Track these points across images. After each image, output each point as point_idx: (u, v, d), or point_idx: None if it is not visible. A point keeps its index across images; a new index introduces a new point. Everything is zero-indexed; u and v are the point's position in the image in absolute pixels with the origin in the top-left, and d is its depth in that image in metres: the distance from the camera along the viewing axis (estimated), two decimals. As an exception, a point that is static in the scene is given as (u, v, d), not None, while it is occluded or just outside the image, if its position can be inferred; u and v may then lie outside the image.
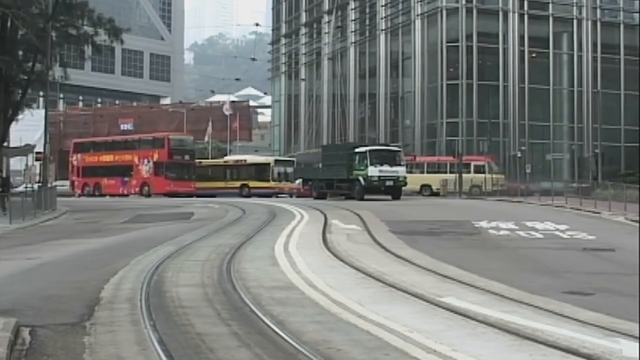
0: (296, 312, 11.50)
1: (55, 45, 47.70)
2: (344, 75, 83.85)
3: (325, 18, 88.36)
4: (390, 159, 50.15)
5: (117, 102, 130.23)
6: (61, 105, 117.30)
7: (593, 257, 19.51)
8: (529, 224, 28.29)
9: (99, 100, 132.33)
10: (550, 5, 71.19)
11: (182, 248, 20.70)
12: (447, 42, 68.85)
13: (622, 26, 72.99)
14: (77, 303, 12.50)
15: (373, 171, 48.59)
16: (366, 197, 49.01)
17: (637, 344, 9.53)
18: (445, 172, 60.56)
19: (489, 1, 70.87)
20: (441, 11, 69.09)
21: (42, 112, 52.78)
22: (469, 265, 17.01)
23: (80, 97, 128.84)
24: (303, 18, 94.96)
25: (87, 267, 17.70)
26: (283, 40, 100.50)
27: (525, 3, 70.39)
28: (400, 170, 49.87)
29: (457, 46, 68.47)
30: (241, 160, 71.90)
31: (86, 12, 47.69)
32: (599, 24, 72.43)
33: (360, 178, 49.05)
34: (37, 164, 50.47)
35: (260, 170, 67.52)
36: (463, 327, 10.53)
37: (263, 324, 10.66)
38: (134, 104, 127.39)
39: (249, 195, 62.80)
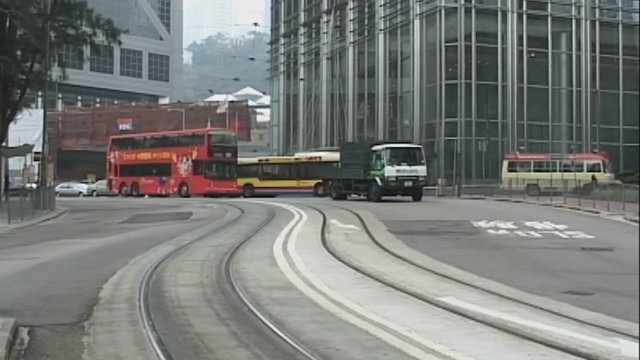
0: (295, 312, 11.51)
1: (54, 45, 47.71)
2: (343, 75, 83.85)
3: (324, 18, 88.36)
4: (409, 157, 47.26)
5: (115, 102, 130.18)
6: (60, 105, 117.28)
7: (592, 256, 19.52)
8: (528, 223, 28.33)
9: (98, 100, 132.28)
10: (549, 5, 71.22)
11: (181, 248, 20.71)
12: (446, 41, 68.86)
13: (620, 26, 73.02)
14: (76, 303, 12.50)
15: (390, 171, 45.73)
16: (384, 198, 46.21)
17: (636, 343, 9.54)
18: (555, 171, 56.20)
19: (487, 1, 70.89)
20: (440, 11, 69.11)
21: (40, 112, 52.76)
22: (467, 265, 17.02)
23: (79, 97, 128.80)
24: (302, 18, 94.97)
25: (86, 267, 17.69)
26: (282, 40, 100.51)
27: (524, 3, 70.41)
28: (420, 170, 46.75)
29: (456, 46, 68.47)
30: (315, 157, 66.71)
31: (85, 12, 47.66)
32: (597, 23, 72.47)
33: (377, 178, 46.22)
34: (36, 163, 50.47)
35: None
36: (462, 327, 10.53)
37: (262, 324, 10.66)
38: (133, 103, 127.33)
39: (324, 195, 56.86)
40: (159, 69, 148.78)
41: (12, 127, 49.56)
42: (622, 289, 14.46)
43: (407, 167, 46.10)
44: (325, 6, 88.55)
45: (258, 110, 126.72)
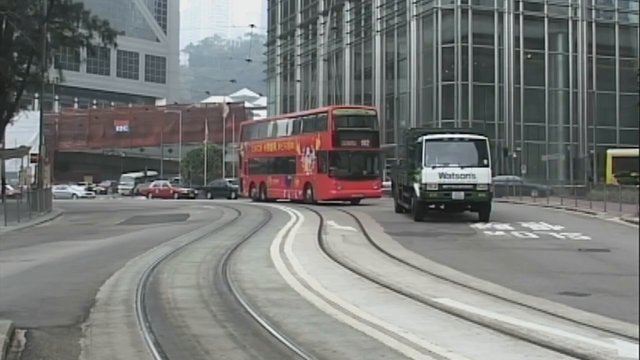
0: (292, 314, 11.51)
1: (51, 47, 47.73)
2: (340, 77, 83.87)
3: (321, 19, 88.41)
4: (462, 154, 30.98)
5: (112, 103, 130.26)
6: (56, 107, 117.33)
7: (588, 257, 19.54)
8: (524, 224, 28.40)
9: (94, 101, 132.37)
10: (546, 6, 71.30)
11: (178, 249, 20.69)
12: (443, 43, 68.91)
13: (617, 27, 73.13)
14: (73, 305, 12.50)
15: (429, 175, 30.06)
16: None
17: (633, 344, 9.57)
18: None
19: (484, 2, 70.97)
20: (436, 12, 69.17)
21: (37, 113, 52.72)
22: (463, 266, 17.03)
23: (76, 99, 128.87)
24: (298, 19, 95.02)
25: (83, 268, 17.69)
26: (278, 42, 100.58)
27: (521, 4, 70.49)
28: (480, 174, 30.17)
29: (453, 47, 68.53)
30: None
31: (81, 14, 47.73)
32: (594, 25, 72.58)
33: (416, 186, 30.83)
34: (33, 165, 50.43)
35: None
36: (458, 328, 10.55)
37: (259, 325, 10.67)
38: (130, 105, 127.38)
39: None
40: (155, 71, 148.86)
41: (8, 129, 49.59)
42: (618, 289, 14.48)
43: (457, 170, 30.17)
44: (321, 8, 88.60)
45: (255, 111, 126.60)
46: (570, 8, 72.11)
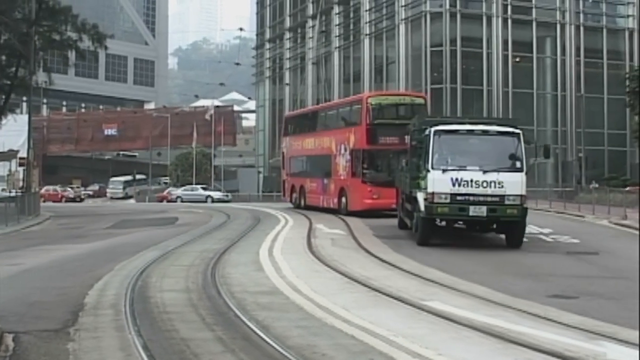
0: (281, 317, 11.51)
1: (39, 51, 47.62)
2: (329, 80, 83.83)
3: (310, 23, 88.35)
4: (485, 153, 22.60)
5: (100, 107, 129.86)
6: (44, 111, 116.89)
7: (577, 260, 19.59)
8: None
9: (83, 105, 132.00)
10: (534, 10, 71.39)
11: (167, 253, 20.66)
12: (431, 46, 68.93)
13: (604, 31, 73.24)
14: (61, 309, 12.47)
15: (438, 182, 21.84)
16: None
17: (622, 347, 9.61)
18: None
19: (472, 6, 71.04)
20: (425, 16, 69.19)
21: (25, 117, 52.62)
22: (453, 269, 17.04)
23: (64, 102, 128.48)
24: (287, 23, 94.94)
25: (71, 272, 17.64)
26: (267, 45, 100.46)
27: (509, 8, 70.57)
28: (510, 181, 21.78)
29: (441, 51, 68.56)
30: None
31: (70, 17, 47.64)
32: (582, 28, 72.68)
33: (420, 196, 22.84)
34: (21, 169, 50.28)
35: None
36: (448, 331, 10.56)
37: (248, 329, 10.66)
38: (118, 108, 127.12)
39: None
40: (144, 74, 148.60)
41: (-4, 133, 49.45)
42: (607, 292, 14.52)
43: (477, 175, 21.71)
44: (310, 11, 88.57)
45: (244, 115, 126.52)
46: (558, 12, 72.21)
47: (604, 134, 71.28)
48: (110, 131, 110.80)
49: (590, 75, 71.48)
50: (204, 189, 78.20)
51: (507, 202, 21.70)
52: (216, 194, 75.78)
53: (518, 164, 22.08)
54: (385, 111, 37.34)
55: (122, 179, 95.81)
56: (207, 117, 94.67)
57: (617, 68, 70.62)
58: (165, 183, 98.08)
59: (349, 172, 36.89)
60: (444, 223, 23.10)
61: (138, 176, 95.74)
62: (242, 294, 13.66)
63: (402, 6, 71.54)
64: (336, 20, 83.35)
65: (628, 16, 73.54)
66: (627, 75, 61.33)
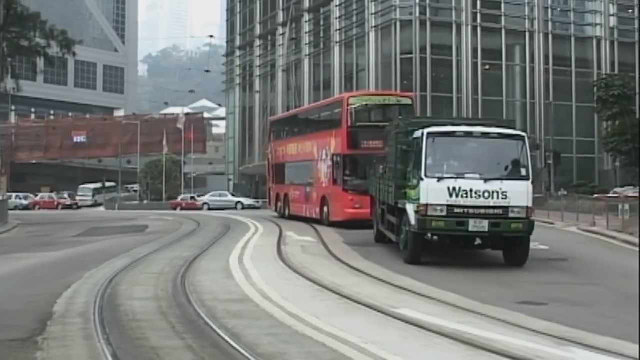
0: (251, 325, 11.48)
1: (7, 57, 47.28)
2: (299, 87, 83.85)
3: (280, 30, 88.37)
4: (486, 158, 19.98)
5: (70, 114, 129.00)
6: (13, 118, 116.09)
7: (546, 267, 19.67)
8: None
9: (52, 112, 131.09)
10: (503, 18, 71.80)
11: (137, 261, 20.56)
12: (401, 54, 69.13)
13: (573, 39, 73.78)
14: (29, 318, 12.36)
15: (433, 192, 19.09)
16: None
17: (590, 353, 9.68)
18: None
19: (442, 14, 71.34)
20: (395, 23, 69.39)
21: (-7, 124, 52.24)
22: (422, 276, 17.07)
23: (33, 109, 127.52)
24: (257, 30, 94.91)
25: (40, 281, 17.51)
26: (237, 53, 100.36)
27: (479, 16, 70.91)
28: (515, 191, 19.02)
29: (411, 58, 68.78)
30: None
31: (38, 23, 47.37)
32: (550, 36, 73.17)
33: (410, 208, 19.89)
34: (-11, 176, 49.93)
35: None
36: (418, 338, 10.57)
37: (218, 337, 10.62)
38: (87, 116, 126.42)
39: None
40: (113, 81, 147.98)
41: (-36, 140, 49.06)
42: (576, 299, 14.61)
43: (477, 184, 18.95)
44: (281, 19, 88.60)
45: (214, 122, 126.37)
46: (527, 20, 72.67)
47: (573, 141, 71.78)
48: (79, 138, 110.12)
49: (558, 83, 72.01)
50: (233, 195, 76.14)
51: (511, 215, 18.94)
52: (247, 201, 73.36)
53: (523, 172, 19.39)
54: (368, 113, 35.04)
55: (92, 186, 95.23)
56: (180, 125, 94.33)
57: (585, 76, 71.19)
58: (135, 191, 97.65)
59: (330, 179, 34.00)
60: (435, 238, 20.72)
61: (107, 184, 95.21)
62: (212, 301, 13.61)
63: (372, 14, 71.71)
64: (306, 27, 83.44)
65: (596, 25, 74.19)
66: (595, 83, 61.85)
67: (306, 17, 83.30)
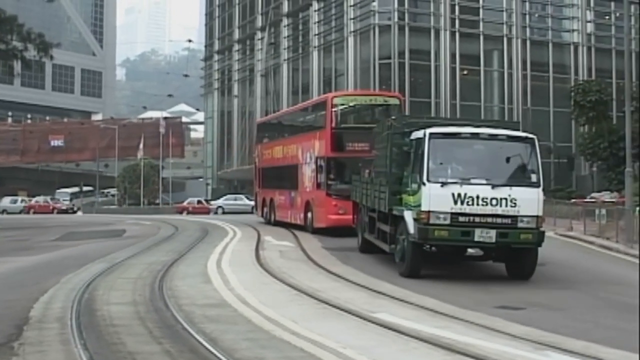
0: (229, 330, 11.45)
1: (-17, 61, 47.04)
2: (277, 92, 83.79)
3: (259, 35, 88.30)
4: (493, 162, 18.48)
5: (47, 118, 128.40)
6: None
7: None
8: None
9: (29, 116, 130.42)
10: (481, 23, 72.02)
11: (114, 266, 20.47)
12: (380, 59, 69.22)
13: (550, 45, 74.12)
14: (5, 323, 12.28)
15: (436, 198, 17.43)
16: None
17: (567, 357, 9.72)
18: None
19: (421, 19, 71.49)
20: (374, 28, 69.49)
21: (-30, 128, 51.95)
22: (401, 281, 17.09)
23: (10, 113, 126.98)
24: (236, 35, 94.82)
25: (16, 285, 17.41)
26: (216, 57, 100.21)
27: (457, 21, 71.11)
28: (525, 198, 17.45)
29: (390, 63, 68.87)
30: None
31: (15, 26, 47.07)
32: (528, 42, 73.48)
33: (408, 215, 18.34)
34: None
35: None
36: (396, 343, 10.58)
37: (195, 342, 10.60)
38: (65, 120, 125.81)
39: None
40: (91, 85, 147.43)
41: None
42: (553, 303, 14.67)
43: (484, 190, 17.44)
44: (259, 23, 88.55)
45: (192, 126, 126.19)
46: (505, 26, 72.94)
47: (550, 147, 72.11)
48: (56, 142, 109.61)
49: (536, 89, 72.33)
50: (248, 198, 73.84)
51: (520, 225, 17.40)
52: None
53: (534, 177, 17.91)
54: (353, 113, 33.61)
55: (69, 190, 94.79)
56: (162, 129, 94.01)
57: (563, 81, 71.53)
58: (113, 195, 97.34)
59: (314, 184, 32.29)
60: (433, 248, 18.34)
61: (85, 188, 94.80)
62: (190, 306, 13.57)
63: (350, 19, 71.79)
64: (285, 32, 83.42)
65: (573, 31, 74.56)
66: (572, 89, 62.16)
67: (285, 21, 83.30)
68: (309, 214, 32.83)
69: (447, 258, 19.42)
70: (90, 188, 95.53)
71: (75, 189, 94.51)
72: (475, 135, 18.26)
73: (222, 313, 12.97)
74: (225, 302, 14.10)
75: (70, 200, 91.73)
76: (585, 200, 45.56)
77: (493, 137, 18.28)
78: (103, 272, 18.95)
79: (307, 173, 33.27)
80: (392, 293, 15.28)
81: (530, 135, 18.72)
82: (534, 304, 14.52)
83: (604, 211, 31.51)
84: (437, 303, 14.00)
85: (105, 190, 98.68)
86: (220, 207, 70.51)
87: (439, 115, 65.73)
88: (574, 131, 67.26)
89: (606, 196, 46.87)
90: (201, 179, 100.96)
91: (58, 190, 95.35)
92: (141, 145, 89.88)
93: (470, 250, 18.36)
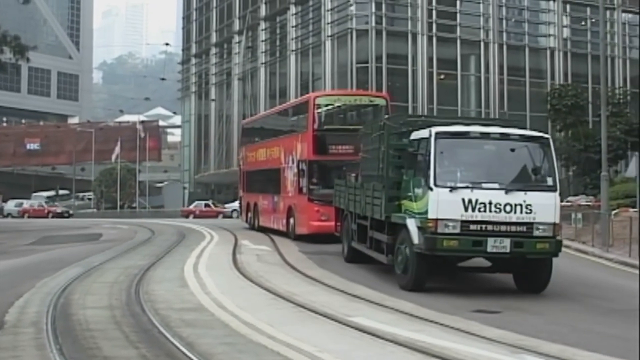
0: (205, 334, 11.43)
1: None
2: (255, 96, 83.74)
3: (236, 38, 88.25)
4: (505, 165, 16.89)
5: (23, 121, 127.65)
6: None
7: (500, 275, 19.77)
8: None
9: (4, 119, 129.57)
10: (458, 28, 72.29)
11: (90, 270, 20.38)
12: (357, 63, 69.33)
13: (527, 49, 74.51)
14: (-20, 327, 12.21)
15: (444, 204, 15.75)
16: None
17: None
18: None
19: (398, 24, 71.66)
20: (351, 33, 69.60)
21: (-56, 131, 51.61)
22: (378, 285, 17.11)
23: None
24: (213, 38, 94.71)
25: (-9, 290, 17.30)
26: (193, 60, 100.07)
27: (434, 26, 71.35)
28: (541, 204, 15.94)
29: (367, 67, 69.01)
30: None
31: (-10, 29, 46.84)
32: (505, 47, 73.85)
33: (411, 224, 16.45)
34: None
35: None
36: (372, 347, 10.59)
37: (172, 346, 10.57)
38: (41, 123, 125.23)
39: None
40: (68, 88, 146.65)
41: None
42: (530, 307, 14.73)
43: (496, 196, 15.78)
44: (237, 27, 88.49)
45: (169, 130, 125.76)
46: (482, 30, 73.25)
47: (527, 151, 72.47)
48: (32, 146, 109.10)
49: (513, 93, 72.66)
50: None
51: (536, 233, 15.84)
52: None
53: (550, 181, 16.44)
54: (337, 114, 31.80)
55: (45, 194, 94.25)
56: (142, 133, 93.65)
57: (539, 86, 71.91)
58: (89, 199, 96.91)
59: (296, 188, 30.76)
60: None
61: (61, 192, 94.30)
62: (166, 310, 13.54)
63: (328, 23, 71.87)
64: (262, 36, 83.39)
65: (549, 36, 75.02)
66: (548, 93, 62.51)
67: (262, 25, 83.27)
68: (291, 220, 31.44)
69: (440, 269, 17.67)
70: (66, 192, 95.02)
71: (52, 193, 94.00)
72: (485, 135, 16.68)
73: (199, 317, 12.95)
74: (202, 306, 14.07)
75: (46, 204, 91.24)
76: (561, 204, 45.70)
77: (505, 136, 16.67)
78: (79, 276, 18.87)
79: (290, 177, 31.92)
80: (369, 297, 15.30)
81: (545, 135, 17.42)
82: (510, 307, 14.58)
83: (579, 215, 31.68)
84: (414, 307, 14.03)
85: (82, 194, 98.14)
86: (235, 210, 63.63)
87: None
88: (550, 135, 67.49)
89: (582, 200, 47.11)
90: (178, 182, 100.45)
91: (34, 194, 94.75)
92: (117, 148, 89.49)
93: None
